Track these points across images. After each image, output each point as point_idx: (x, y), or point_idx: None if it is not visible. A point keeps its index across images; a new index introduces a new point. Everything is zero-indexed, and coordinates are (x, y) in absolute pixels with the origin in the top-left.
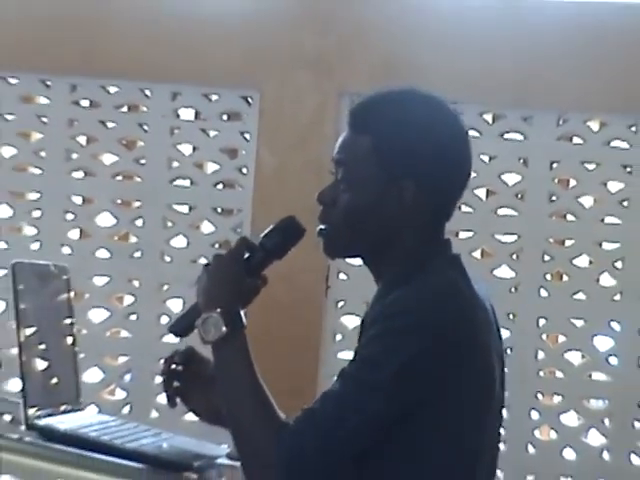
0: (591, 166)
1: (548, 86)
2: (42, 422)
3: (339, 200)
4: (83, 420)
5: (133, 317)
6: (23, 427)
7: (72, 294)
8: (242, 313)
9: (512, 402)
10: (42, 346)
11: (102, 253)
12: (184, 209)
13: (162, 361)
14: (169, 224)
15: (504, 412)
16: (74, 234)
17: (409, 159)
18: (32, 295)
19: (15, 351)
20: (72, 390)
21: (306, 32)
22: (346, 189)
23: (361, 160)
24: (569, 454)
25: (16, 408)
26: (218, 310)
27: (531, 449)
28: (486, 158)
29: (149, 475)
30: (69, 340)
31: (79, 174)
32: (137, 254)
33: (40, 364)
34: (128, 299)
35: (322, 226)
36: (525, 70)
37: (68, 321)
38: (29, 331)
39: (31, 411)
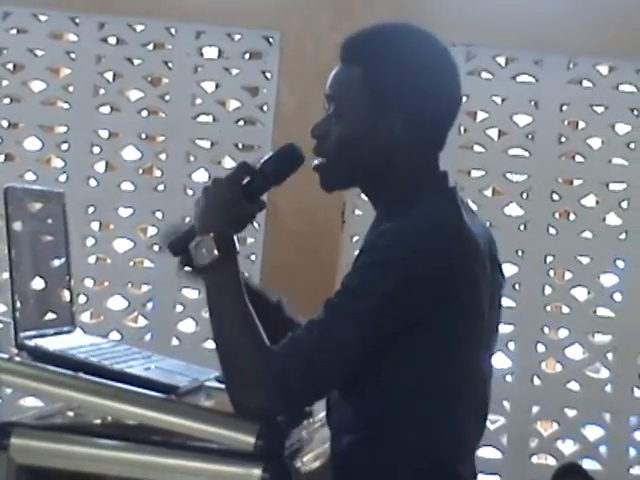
0: (600, 109)
1: (559, 30)
2: (32, 342)
3: (331, 132)
4: (74, 342)
5: (156, 248)
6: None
7: (97, 225)
8: (235, 239)
9: (519, 335)
10: (35, 269)
11: (127, 186)
12: (206, 144)
13: None
14: (192, 159)
15: (511, 345)
16: (100, 167)
17: (399, 88)
18: (25, 219)
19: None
20: (66, 313)
21: None
22: (338, 121)
23: (352, 91)
24: (574, 386)
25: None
26: (212, 235)
27: (537, 381)
28: (498, 99)
29: (132, 395)
30: (64, 264)
31: (106, 109)
32: (161, 187)
33: (32, 286)
34: (151, 230)
35: (316, 161)
36: (537, 14)
37: (63, 245)
38: (21, 253)
39: (22, 332)
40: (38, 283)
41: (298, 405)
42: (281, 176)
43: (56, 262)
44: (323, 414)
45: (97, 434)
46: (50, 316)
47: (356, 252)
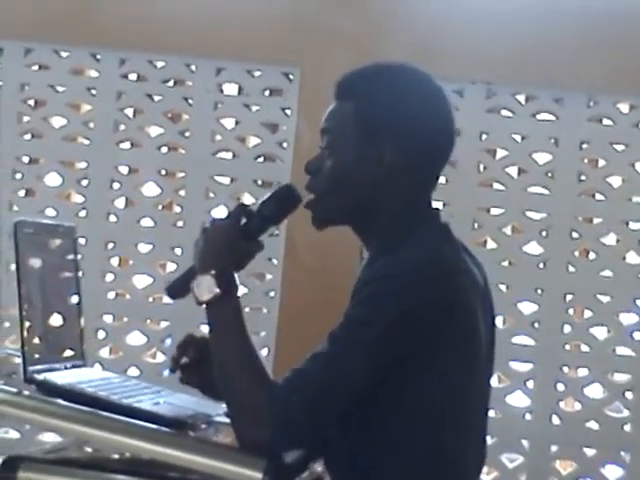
0: (620, 147)
1: (579, 68)
2: (40, 376)
3: (324, 167)
4: (84, 376)
5: None
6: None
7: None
8: (236, 276)
9: (538, 373)
10: (45, 303)
11: (146, 221)
12: (226, 180)
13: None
14: (211, 195)
15: (530, 383)
16: (120, 203)
17: (388, 121)
18: (36, 253)
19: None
20: (76, 347)
21: (344, 12)
22: (330, 154)
23: (343, 124)
24: (593, 425)
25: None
26: (212, 272)
27: (556, 420)
28: (518, 137)
29: (140, 430)
30: (74, 298)
31: (126, 145)
32: (180, 223)
33: (42, 321)
34: (171, 266)
35: (308, 198)
36: (557, 52)
37: (74, 280)
38: (31, 288)
39: (31, 366)
40: (48, 317)
41: (303, 440)
42: (278, 218)
43: (67, 296)
44: None
45: (106, 468)
46: (60, 350)
47: None
